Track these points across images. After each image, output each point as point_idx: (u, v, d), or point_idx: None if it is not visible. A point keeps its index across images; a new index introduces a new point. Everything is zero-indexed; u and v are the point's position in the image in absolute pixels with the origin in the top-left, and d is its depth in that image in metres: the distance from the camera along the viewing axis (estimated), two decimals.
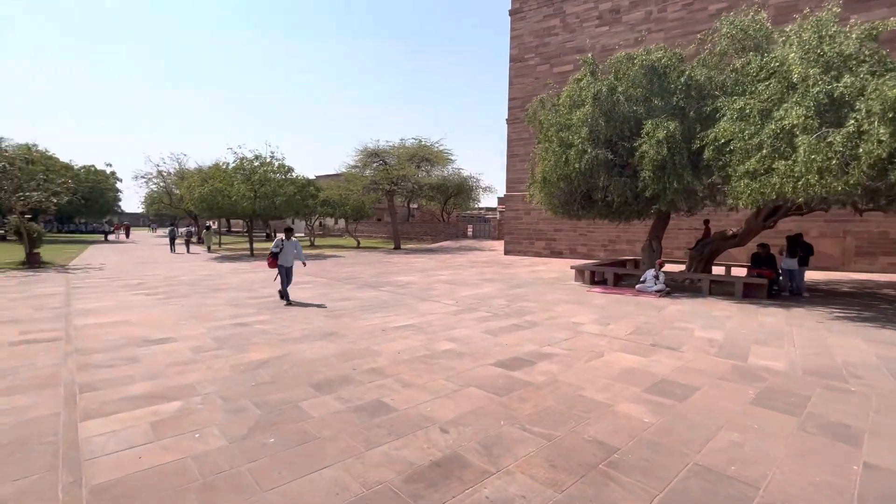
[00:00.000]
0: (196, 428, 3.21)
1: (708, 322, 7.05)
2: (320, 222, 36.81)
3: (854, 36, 7.61)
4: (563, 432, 3.19)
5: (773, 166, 7.27)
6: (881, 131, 5.78)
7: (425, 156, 28.49)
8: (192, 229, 30.38)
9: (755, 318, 7.47)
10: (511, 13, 22.88)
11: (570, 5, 21.20)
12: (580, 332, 6.25)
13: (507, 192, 23.32)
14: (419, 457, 2.83)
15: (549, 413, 3.52)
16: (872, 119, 5.97)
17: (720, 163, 8.86)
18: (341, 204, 27.17)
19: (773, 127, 7.41)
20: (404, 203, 39.08)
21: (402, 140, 28.63)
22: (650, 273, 10.44)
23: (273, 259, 8.50)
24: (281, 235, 8.39)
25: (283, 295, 8.55)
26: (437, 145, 29.26)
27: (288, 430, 3.21)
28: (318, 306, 8.14)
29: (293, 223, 31.78)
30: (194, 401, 3.73)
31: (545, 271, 15.20)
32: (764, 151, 7.55)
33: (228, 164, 21.40)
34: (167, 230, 33.22)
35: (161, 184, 33.72)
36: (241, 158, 20.95)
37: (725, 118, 8.80)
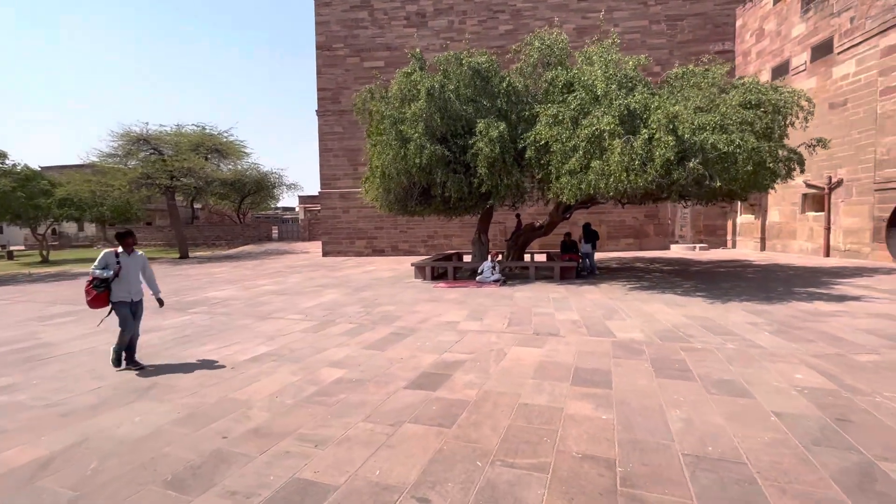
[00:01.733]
0: None
1: (556, 305, 7.75)
2: (54, 229, 27.23)
3: (630, 64, 9.60)
4: (548, 456, 2.74)
5: (591, 165, 8.51)
6: (668, 138, 7.33)
7: (215, 146, 24.10)
8: None
9: (583, 296, 8.62)
10: None
11: (377, 1, 20.97)
12: (464, 332, 5.97)
13: (322, 189, 21.72)
14: None
15: (515, 436, 3.03)
16: (660, 129, 7.53)
17: (542, 161, 9.97)
18: (94, 204, 20.58)
19: (587, 132, 8.66)
20: (185, 202, 32.46)
21: (178, 126, 23.44)
22: (487, 264, 11.07)
23: (99, 293, 4.70)
24: (107, 250, 4.86)
25: (123, 357, 4.83)
26: (225, 135, 25.08)
27: None
28: (105, 349, 5.65)
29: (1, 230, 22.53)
30: None
31: (377, 270, 14.65)
32: (580, 153, 8.77)
33: None
34: None
35: None
36: None
37: (542, 122, 9.89)
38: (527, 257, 14.64)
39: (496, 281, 10.74)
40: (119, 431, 3.27)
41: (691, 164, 7.32)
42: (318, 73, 21.26)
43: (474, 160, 10.53)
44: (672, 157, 7.31)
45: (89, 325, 7.07)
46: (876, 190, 12.52)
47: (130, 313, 4.86)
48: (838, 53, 13.79)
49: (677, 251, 19.35)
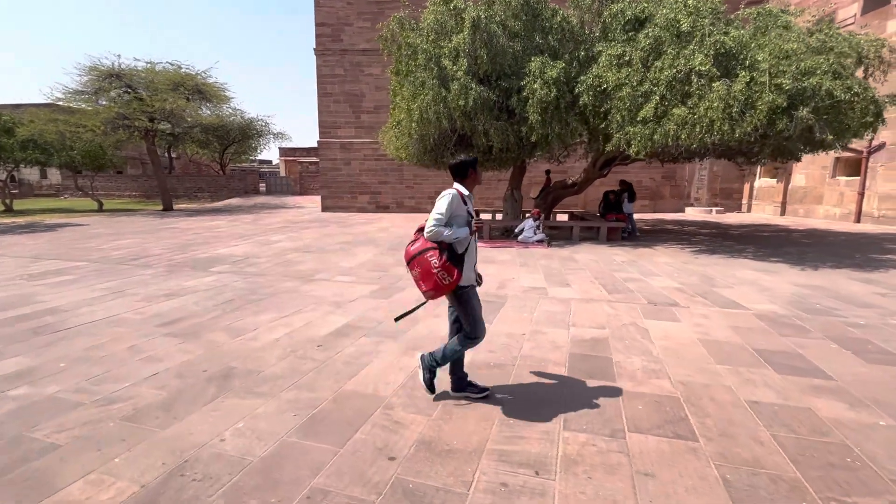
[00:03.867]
0: None
1: (637, 270, 6.96)
2: (13, 176, 24.50)
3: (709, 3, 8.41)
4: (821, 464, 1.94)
5: (673, 112, 7.50)
6: (781, 80, 6.36)
7: (197, 87, 21.65)
8: None
9: (654, 259, 7.86)
10: None
11: None
12: (565, 300, 5.11)
13: (321, 138, 19.96)
14: None
15: (807, 456, 2.22)
16: (766, 71, 6.54)
17: (600, 109, 8.89)
18: (62, 147, 18.31)
19: (668, 74, 7.58)
20: (163, 151, 29.81)
21: (150, 63, 20.70)
22: (529, 223, 10.15)
23: (458, 271, 2.56)
24: (450, 191, 2.70)
25: (437, 378, 2.87)
26: (203, 75, 22.42)
27: None
28: (132, 316, 4.53)
29: None
30: None
31: (394, 227, 13.55)
32: (657, 98, 7.73)
33: None
34: None
35: None
36: None
37: (602, 64, 8.73)
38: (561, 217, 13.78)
39: (540, 241, 9.87)
40: (227, 447, 2.30)
41: (801, 114, 6.41)
42: (317, 4, 18.95)
43: (521, 105, 9.36)
44: (783, 104, 6.37)
45: (92, 284, 5.86)
46: None
47: None
48: (895, 5, 12.85)
49: (694, 214, 18.86)
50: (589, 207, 18.10)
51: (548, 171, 14.07)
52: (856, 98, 6.38)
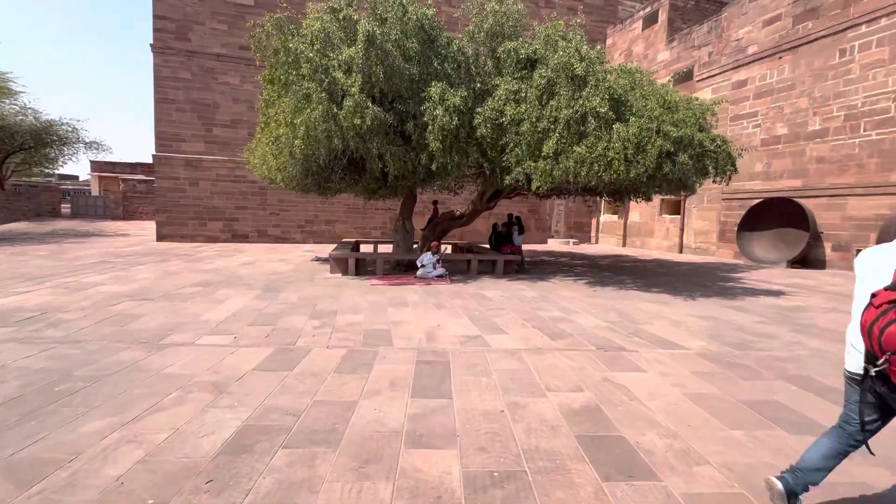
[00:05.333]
0: None
1: (555, 307, 6.71)
2: None
3: (597, 50, 9.12)
4: None
5: (574, 150, 7.69)
6: (668, 128, 6.96)
7: None
8: None
9: (559, 295, 7.81)
10: None
11: None
12: (512, 352, 4.41)
13: (158, 151, 16.38)
14: None
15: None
16: (653, 118, 7.13)
17: (501, 142, 8.80)
18: None
19: (566, 113, 7.82)
20: None
21: None
22: (428, 257, 9.41)
23: None
24: None
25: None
26: None
27: None
28: None
29: None
30: None
31: (262, 262, 11.44)
32: (556, 135, 7.89)
33: None
34: None
35: None
36: None
37: (499, 98, 8.73)
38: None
39: (440, 276, 9.20)
40: None
41: (681, 159, 7.11)
42: None
43: (418, 131, 8.77)
44: (670, 149, 6.97)
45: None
46: (723, 199, 15.12)
47: None
48: (697, 81, 16.22)
49: (556, 245, 20.66)
50: (466, 238, 18.34)
51: (435, 202, 13.68)
52: (718, 149, 7.37)
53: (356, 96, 7.88)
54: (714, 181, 8.28)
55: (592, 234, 22.38)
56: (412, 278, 9.14)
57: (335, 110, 7.95)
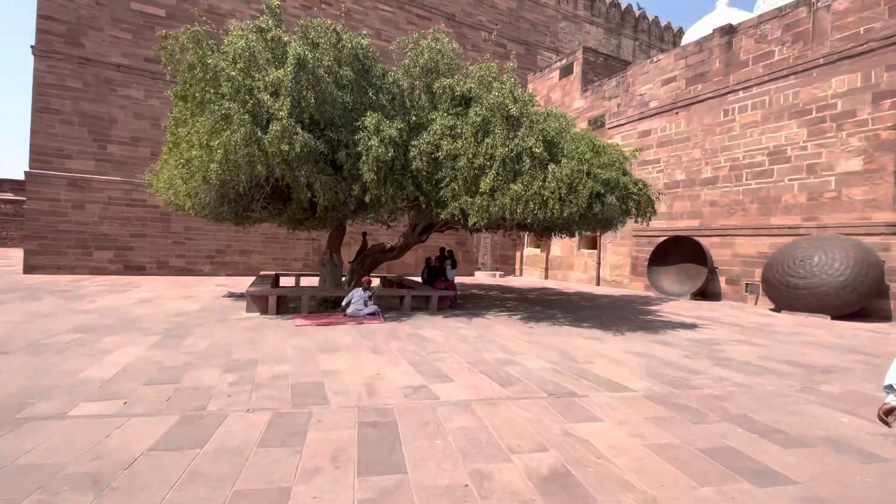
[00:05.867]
0: None
1: (495, 347, 6.50)
2: None
3: (528, 93, 9.51)
4: None
5: (510, 187, 7.77)
6: (598, 171, 7.30)
7: None
8: None
9: (497, 332, 7.66)
10: None
11: None
12: (464, 405, 4.05)
13: (34, 167, 13.97)
14: None
15: None
16: (585, 160, 7.47)
17: (436, 176, 8.69)
18: None
19: (502, 151, 7.94)
20: None
21: None
22: (358, 294, 8.81)
23: None
24: None
25: None
26: None
27: None
28: None
29: None
30: None
31: (163, 299, 9.98)
32: (493, 173, 7.96)
33: None
34: None
35: None
36: None
37: (435, 133, 8.69)
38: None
39: (372, 314, 8.63)
40: None
41: (610, 200, 7.49)
42: None
43: (351, 161, 8.40)
44: (601, 190, 7.31)
45: None
46: (633, 236, 16.45)
47: None
48: (609, 129, 17.80)
49: (483, 277, 20.93)
50: (394, 271, 17.86)
51: (364, 234, 13.16)
52: (640, 192, 7.91)
53: (284, 121, 7.32)
54: (636, 221, 8.88)
55: (517, 266, 23.10)
56: (341, 317, 8.46)
57: (259, 134, 7.28)
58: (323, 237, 17.28)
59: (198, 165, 7.38)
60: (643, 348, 6.76)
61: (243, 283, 13.87)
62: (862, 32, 10.75)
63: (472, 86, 9.30)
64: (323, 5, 17.72)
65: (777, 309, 11.31)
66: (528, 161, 7.75)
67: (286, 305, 9.52)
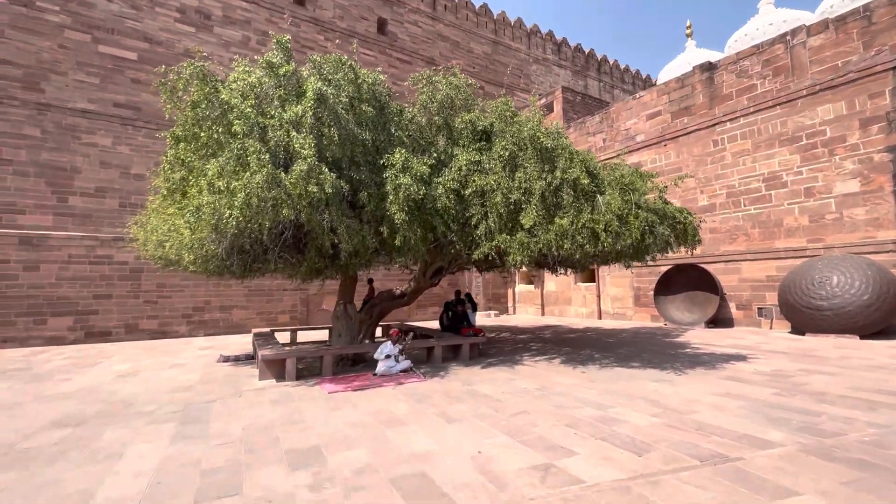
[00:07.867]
0: None
1: (580, 399, 5.73)
2: None
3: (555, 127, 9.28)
4: None
5: (555, 221, 7.26)
6: (649, 202, 6.94)
7: None
8: None
9: (553, 381, 6.89)
10: None
11: None
12: (622, 488, 3.24)
13: None
14: None
15: None
16: (637, 191, 7.13)
17: (468, 214, 8.10)
18: None
19: (540, 185, 7.50)
20: None
21: None
22: (388, 348, 7.83)
23: None
24: None
25: None
26: None
27: None
28: None
29: None
30: None
31: (148, 372, 8.53)
32: (534, 208, 7.47)
33: None
34: None
35: None
36: None
37: (460, 169, 8.20)
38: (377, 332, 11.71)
39: (405, 370, 7.66)
40: None
41: (660, 230, 7.13)
42: (0, 34, 12.69)
43: (373, 202, 7.68)
44: (655, 220, 6.93)
45: None
46: (633, 267, 16.36)
47: None
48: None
49: (479, 318, 20.11)
50: (396, 318, 16.76)
51: (370, 280, 12.21)
52: (686, 221, 7.63)
53: (309, 160, 6.55)
54: (684, 250, 8.60)
55: (509, 304, 22.52)
56: (372, 377, 7.42)
57: (281, 175, 6.46)
58: (312, 287, 16.11)
59: (209, 213, 6.38)
60: (722, 388, 6.19)
61: (230, 344, 12.40)
62: (840, 65, 11.48)
63: (494, 120, 8.98)
64: (305, 49, 17.38)
65: (799, 331, 11.23)
66: (570, 193, 7.32)
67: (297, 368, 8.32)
